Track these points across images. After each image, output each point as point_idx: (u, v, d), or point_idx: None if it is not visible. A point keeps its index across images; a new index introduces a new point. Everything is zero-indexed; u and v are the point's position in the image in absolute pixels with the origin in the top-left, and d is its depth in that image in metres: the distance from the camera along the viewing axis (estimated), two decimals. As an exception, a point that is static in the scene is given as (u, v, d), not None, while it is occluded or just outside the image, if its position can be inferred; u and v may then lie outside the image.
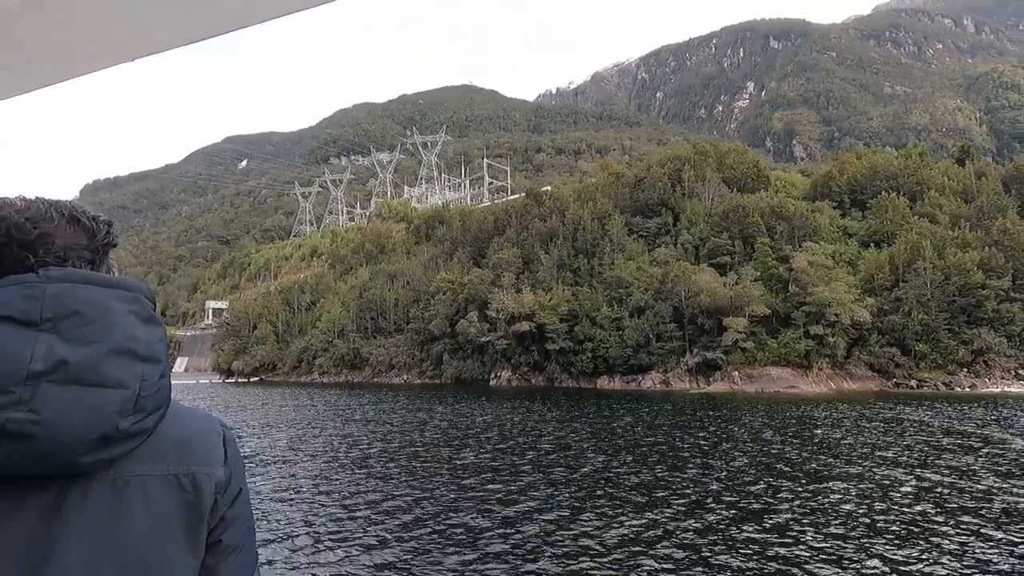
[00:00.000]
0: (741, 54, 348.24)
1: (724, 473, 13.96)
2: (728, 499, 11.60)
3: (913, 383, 38.63)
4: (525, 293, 49.43)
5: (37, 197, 1.02)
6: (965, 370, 38.78)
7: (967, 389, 37.16)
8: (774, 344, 39.85)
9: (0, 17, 1.92)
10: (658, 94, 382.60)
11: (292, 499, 12.33)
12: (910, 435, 19.35)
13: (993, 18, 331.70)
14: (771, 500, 11.53)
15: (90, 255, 1.01)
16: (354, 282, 72.23)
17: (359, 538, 9.65)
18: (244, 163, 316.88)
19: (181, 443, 1.02)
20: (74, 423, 0.86)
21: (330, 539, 9.67)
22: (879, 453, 16.24)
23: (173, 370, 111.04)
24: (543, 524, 10.15)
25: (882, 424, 22.25)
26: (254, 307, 73.67)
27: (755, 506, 11.12)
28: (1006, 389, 36.52)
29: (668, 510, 10.88)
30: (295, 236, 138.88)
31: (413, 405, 33.98)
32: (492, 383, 51.64)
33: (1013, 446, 17.11)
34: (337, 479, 14.20)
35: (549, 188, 78.36)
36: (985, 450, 16.53)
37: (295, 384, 62.06)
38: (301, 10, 2.15)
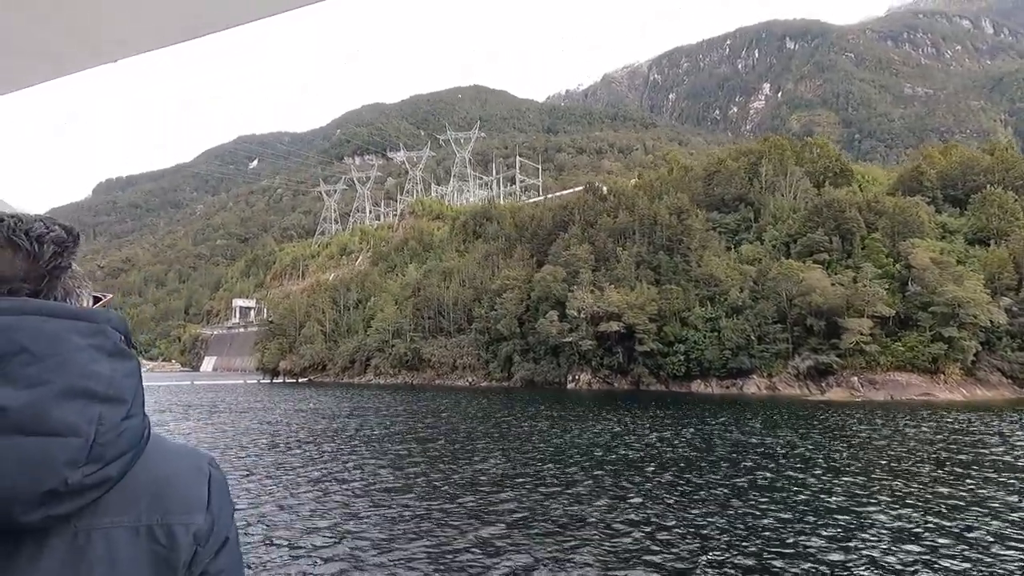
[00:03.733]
0: (756, 55, 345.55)
1: None
2: None
3: (1053, 390, 35.80)
4: (609, 291, 46.61)
5: None
6: (1109, 377, 35.93)
7: (1115, 397, 34.32)
8: (900, 347, 36.93)
9: None
10: (671, 95, 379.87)
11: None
12: None
13: (1011, 20, 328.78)
14: None
15: (31, 286, 0.86)
16: (403, 280, 69.50)
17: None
18: (255, 163, 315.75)
19: (156, 488, 0.89)
20: (11, 478, 0.75)
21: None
22: None
23: (202, 369, 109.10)
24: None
25: None
26: (299, 305, 70.90)
27: None
28: None
29: None
30: (321, 234, 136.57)
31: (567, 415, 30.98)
32: (570, 386, 48.76)
33: None
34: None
35: (603, 185, 75.67)
36: None
37: (350, 385, 59.20)
38: (280, 12, 2.10)
